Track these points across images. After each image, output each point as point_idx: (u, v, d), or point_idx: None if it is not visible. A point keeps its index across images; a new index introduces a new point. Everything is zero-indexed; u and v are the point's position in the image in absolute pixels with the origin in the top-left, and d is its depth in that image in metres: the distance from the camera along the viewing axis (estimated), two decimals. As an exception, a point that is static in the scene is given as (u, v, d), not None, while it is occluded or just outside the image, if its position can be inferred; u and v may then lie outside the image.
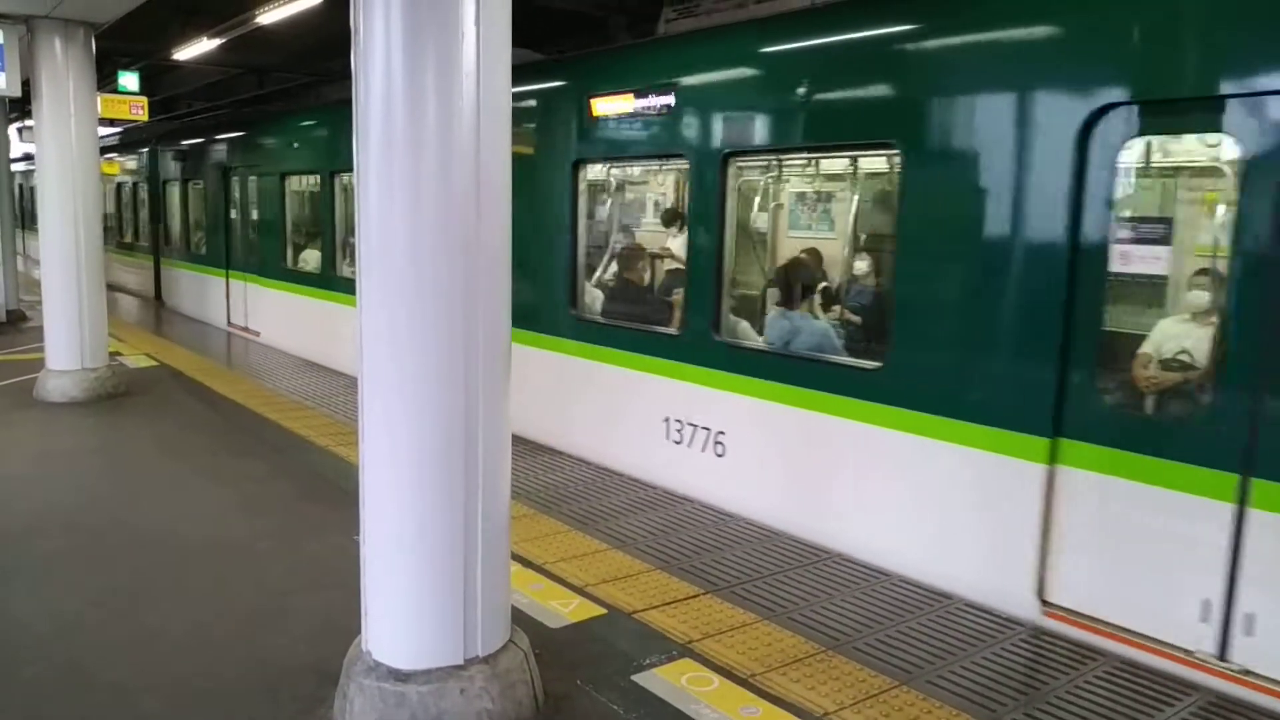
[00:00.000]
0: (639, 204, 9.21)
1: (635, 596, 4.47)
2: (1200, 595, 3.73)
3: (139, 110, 12.02)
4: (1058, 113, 4.08)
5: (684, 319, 6.08)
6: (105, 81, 11.42)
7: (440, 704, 3.23)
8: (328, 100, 12.95)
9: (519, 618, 3.86)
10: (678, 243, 7.56)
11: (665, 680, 3.69)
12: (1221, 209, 4.37)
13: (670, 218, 8.25)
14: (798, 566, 4.90)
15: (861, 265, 7.09)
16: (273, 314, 11.88)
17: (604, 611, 4.31)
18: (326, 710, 3.44)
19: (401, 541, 3.31)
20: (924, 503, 4.68)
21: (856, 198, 7.42)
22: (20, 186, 22.23)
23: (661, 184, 8.90)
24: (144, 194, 16.46)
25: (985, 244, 4.38)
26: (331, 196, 10.33)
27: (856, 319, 6.64)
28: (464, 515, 3.28)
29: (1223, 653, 3.72)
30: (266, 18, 9.07)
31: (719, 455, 5.78)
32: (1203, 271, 4.54)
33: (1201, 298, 4.49)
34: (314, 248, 11.21)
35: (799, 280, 6.11)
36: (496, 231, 3.27)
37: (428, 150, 3.10)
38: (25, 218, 21.11)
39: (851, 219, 7.49)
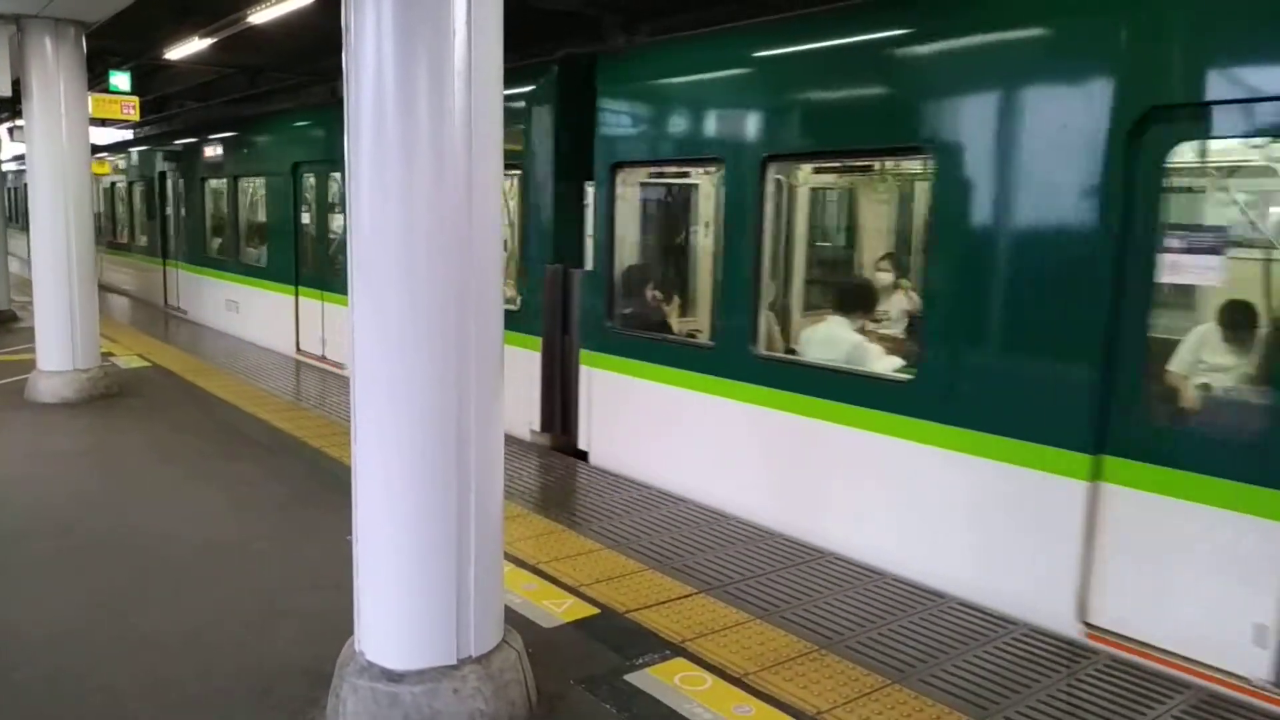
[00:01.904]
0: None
1: (628, 596, 4.48)
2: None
3: (130, 110, 11.96)
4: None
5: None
6: (96, 81, 11.36)
7: (433, 704, 3.23)
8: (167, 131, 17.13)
9: (512, 617, 3.86)
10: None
11: (658, 679, 3.69)
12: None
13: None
14: (790, 565, 4.91)
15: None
16: (111, 273, 17.98)
17: (597, 611, 4.31)
18: (319, 712, 3.44)
19: (395, 541, 3.30)
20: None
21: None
22: (12, 188, 22.34)
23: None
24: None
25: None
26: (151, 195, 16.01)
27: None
28: (457, 515, 3.28)
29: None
30: (258, 17, 9.04)
31: (235, 311, 12.80)
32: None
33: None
34: (142, 231, 17.31)
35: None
36: (488, 229, 3.27)
37: (419, 149, 3.10)
38: (18, 218, 21.29)
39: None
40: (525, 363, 7.05)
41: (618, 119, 6.46)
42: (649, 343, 6.35)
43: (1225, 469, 3.78)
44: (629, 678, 3.71)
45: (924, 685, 3.71)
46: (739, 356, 5.62)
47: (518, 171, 7.23)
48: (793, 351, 5.94)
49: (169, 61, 12.34)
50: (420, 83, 3.07)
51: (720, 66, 5.88)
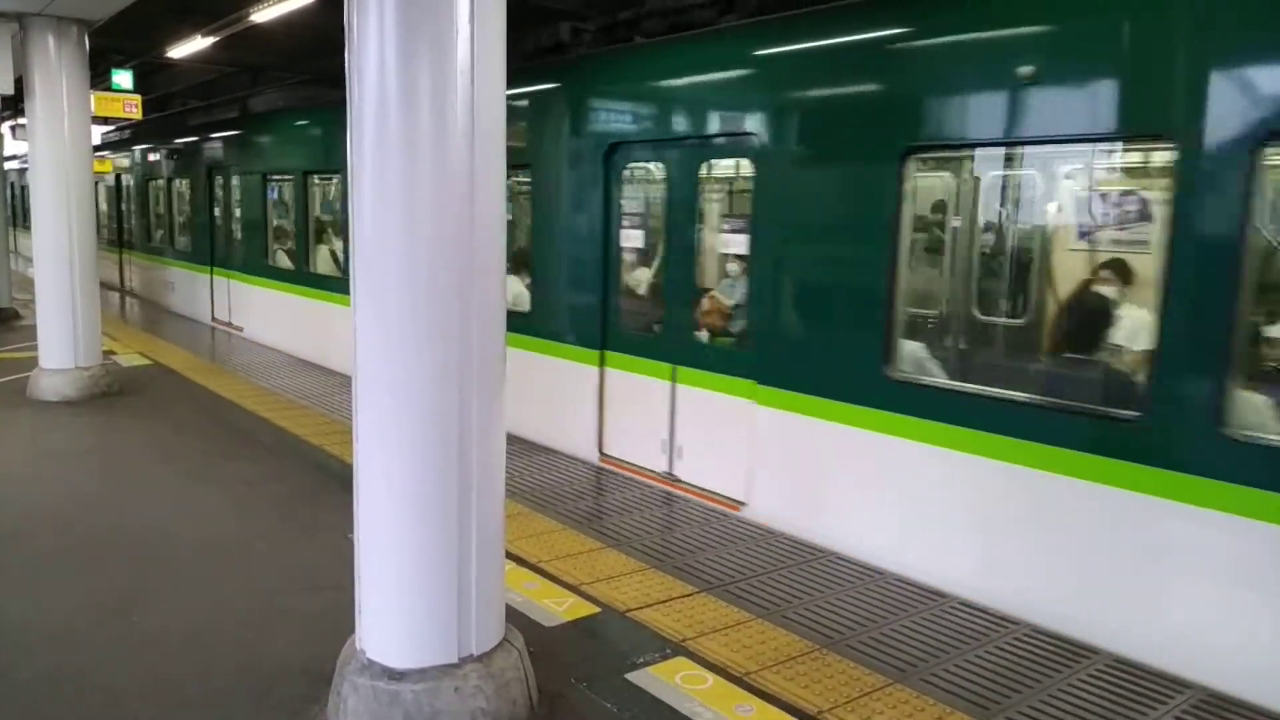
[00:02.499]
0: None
1: (629, 595, 4.48)
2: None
3: (133, 108, 11.97)
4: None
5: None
6: (99, 79, 11.36)
7: (434, 703, 3.23)
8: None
9: (513, 616, 3.86)
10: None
11: (659, 679, 3.69)
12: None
13: None
14: (791, 565, 4.91)
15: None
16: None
17: (598, 610, 4.31)
18: (320, 710, 3.44)
19: (396, 540, 3.30)
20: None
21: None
22: (13, 185, 22.46)
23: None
24: None
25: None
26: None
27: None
28: (458, 513, 3.28)
29: None
30: (260, 15, 9.04)
31: (173, 291, 15.25)
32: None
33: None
34: (102, 224, 17.67)
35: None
36: (491, 228, 3.27)
37: (422, 149, 3.10)
38: (20, 216, 21.48)
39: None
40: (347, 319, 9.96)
41: None
42: None
43: (642, 351, 6.40)
44: (630, 677, 3.71)
45: (925, 684, 3.71)
46: None
47: (339, 173, 10.25)
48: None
49: (171, 60, 12.36)
50: (423, 81, 3.07)
51: None
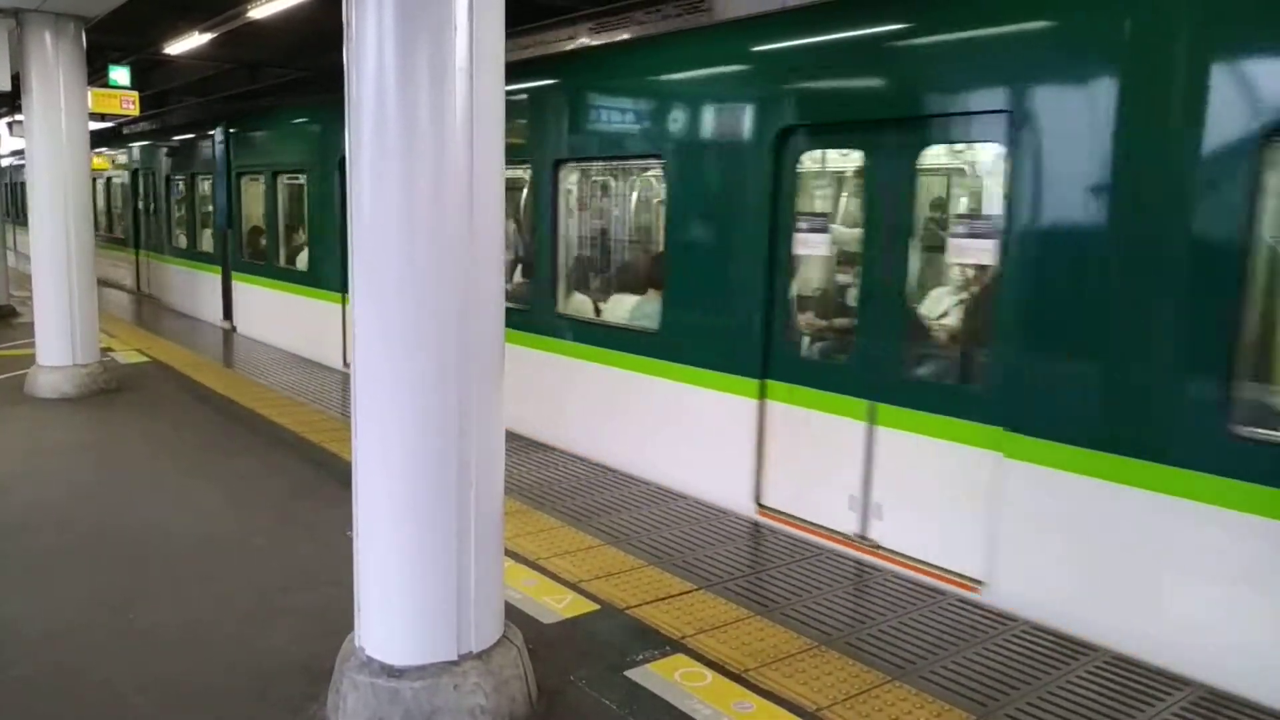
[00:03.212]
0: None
1: (628, 592, 4.48)
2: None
3: (130, 105, 11.93)
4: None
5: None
6: (96, 76, 11.34)
7: (434, 700, 3.23)
8: None
9: (512, 613, 3.86)
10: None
11: (658, 675, 3.70)
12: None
13: None
14: (790, 562, 4.91)
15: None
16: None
17: (597, 607, 4.31)
18: (319, 707, 3.44)
19: (395, 537, 3.30)
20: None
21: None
22: (10, 183, 22.60)
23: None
24: None
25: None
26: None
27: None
28: (457, 511, 3.28)
29: None
30: (258, 12, 9.03)
31: (115, 270, 18.60)
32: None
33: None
34: None
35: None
36: (490, 226, 3.26)
37: (420, 145, 3.09)
38: (17, 213, 21.65)
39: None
40: (214, 283, 13.18)
41: (238, 148, 12.35)
42: (256, 265, 12.16)
43: None
44: (629, 674, 3.71)
45: (924, 681, 3.71)
46: (273, 268, 11.66)
47: (210, 175, 13.17)
48: (292, 263, 11.50)
49: (169, 56, 12.34)
50: (421, 77, 3.06)
51: (273, 131, 12.18)
